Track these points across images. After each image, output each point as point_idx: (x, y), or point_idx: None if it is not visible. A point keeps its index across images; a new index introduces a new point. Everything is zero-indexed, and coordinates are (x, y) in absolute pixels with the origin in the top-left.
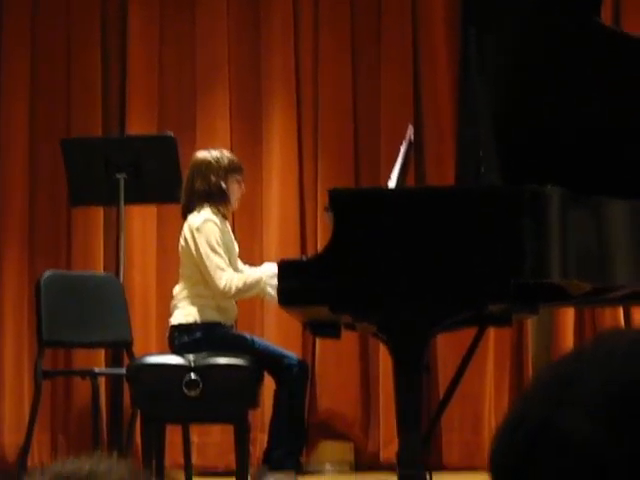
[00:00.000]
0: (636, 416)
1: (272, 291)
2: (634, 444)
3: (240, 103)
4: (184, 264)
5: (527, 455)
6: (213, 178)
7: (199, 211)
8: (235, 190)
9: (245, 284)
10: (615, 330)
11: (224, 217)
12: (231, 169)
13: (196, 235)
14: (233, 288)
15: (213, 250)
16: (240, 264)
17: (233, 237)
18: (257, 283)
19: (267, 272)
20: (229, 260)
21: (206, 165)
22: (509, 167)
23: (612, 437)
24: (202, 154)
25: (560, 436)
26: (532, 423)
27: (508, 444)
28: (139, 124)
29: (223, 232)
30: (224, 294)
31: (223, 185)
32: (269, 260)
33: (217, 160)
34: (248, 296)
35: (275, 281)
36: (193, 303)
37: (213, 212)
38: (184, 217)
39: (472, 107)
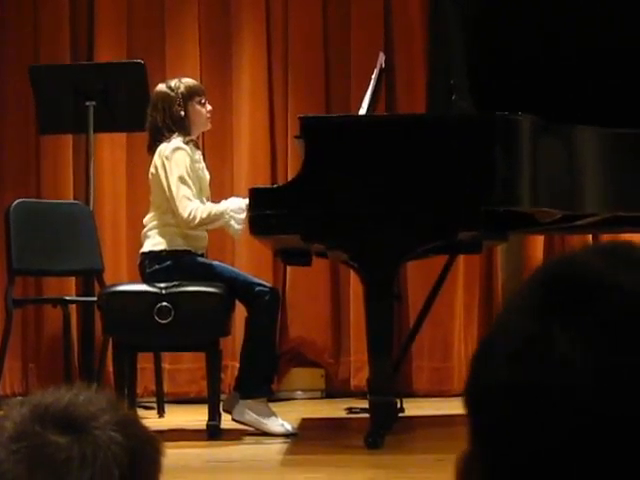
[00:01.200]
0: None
1: (236, 225)
2: (607, 355)
3: (209, 30)
4: (154, 192)
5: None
6: (172, 109)
7: (169, 140)
8: (200, 112)
9: (209, 215)
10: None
11: (195, 145)
12: (189, 94)
13: (166, 163)
14: (197, 218)
15: (181, 179)
16: (204, 200)
17: (204, 165)
18: (221, 215)
19: (232, 205)
20: (199, 188)
21: (162, 98)
22: (481, 95)
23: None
24: (158, 87)
25: (542, 347)
26: (515, 336)
27: (489, 362)
28: (108, 51)
29: (193, 160)
30: (187, 223)
31: (182, 113)
32: (239, 189)
33: (173, 89)
34: (212, 227)
35: (240, 215)
36: (163, 231)
37: (183, 141)
38: (150, 152)
39: (443, 34)
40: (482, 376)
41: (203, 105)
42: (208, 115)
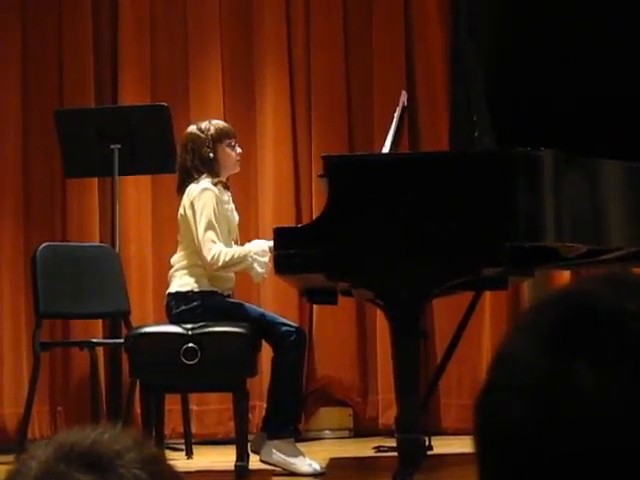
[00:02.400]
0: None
1: (259, 268)
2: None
3: (233, 71)
4: (182, 233)
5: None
6: (202, 151)
7: (198, 181)
8: (229, 155)
9: (232, 258)
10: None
11: (224, 187)
12: (220, 137)
13: (194, 203)
14: (220, 261)
15: (208, 221)
16: (232, 242)
17: (234, 207)
18: (244, 258)
19: (256, 248)
20: (228, 230)
21: (192, 140)
22: (503, 130)
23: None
24: (189, 129)
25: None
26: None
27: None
28: (132, 94)
29: (222, 201)
30: (210, 266)
31: (211, 155)
32: (264, 229)
33: (203, 131)
34: (235, 270)
35: (263, 259)
36: (190, 272)
37: (212, 182)
38: (179, 193)
39: (465, 70)
40: (491, 413)
41: (233, 148)
42: (238, 158)
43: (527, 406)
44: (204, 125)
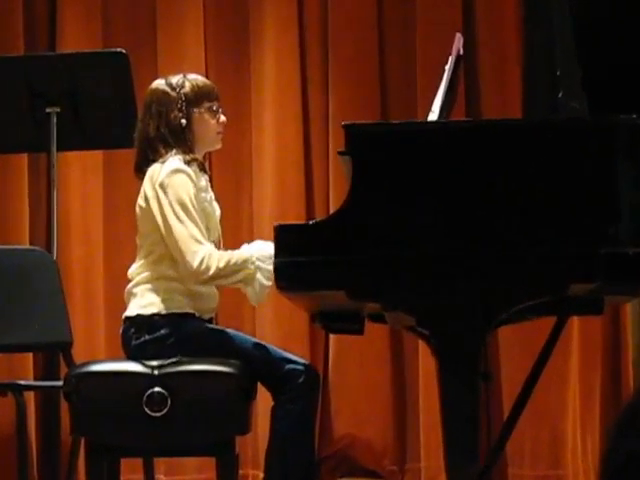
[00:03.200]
0: None
1: (264, 280)
2: None
3: (219, 9)
4: (144, 233)
5: None
6: (170, 115)
7: (164, 160)
8: (208, 123)
9: (228, 265)
10: None
11: (201, 168)
12: (197, 97)
13: (160, 193)
14: (212, 268)
15: (185, 214)
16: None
17: (213, 195)
18: (244, 264)
19: (259, 253)
20: (206, 227)
21: (158, 99)
22: (598, 91)
23: None
24: (155, 84)
25: None
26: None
27: None
28: (76, 39)
29: (198, 188)
30: (197, 276)
31: (183, 122)
32: (262, 227)
33: (175, 88)
34: (229, 283)
35: (270, 267)
36: (156, 287)
37: (184, 160)
38: (139, 174)
39: (544, 8)
40: None
41: (215, 114)
42: (220, 129)
43: None
44: (176, 80)
